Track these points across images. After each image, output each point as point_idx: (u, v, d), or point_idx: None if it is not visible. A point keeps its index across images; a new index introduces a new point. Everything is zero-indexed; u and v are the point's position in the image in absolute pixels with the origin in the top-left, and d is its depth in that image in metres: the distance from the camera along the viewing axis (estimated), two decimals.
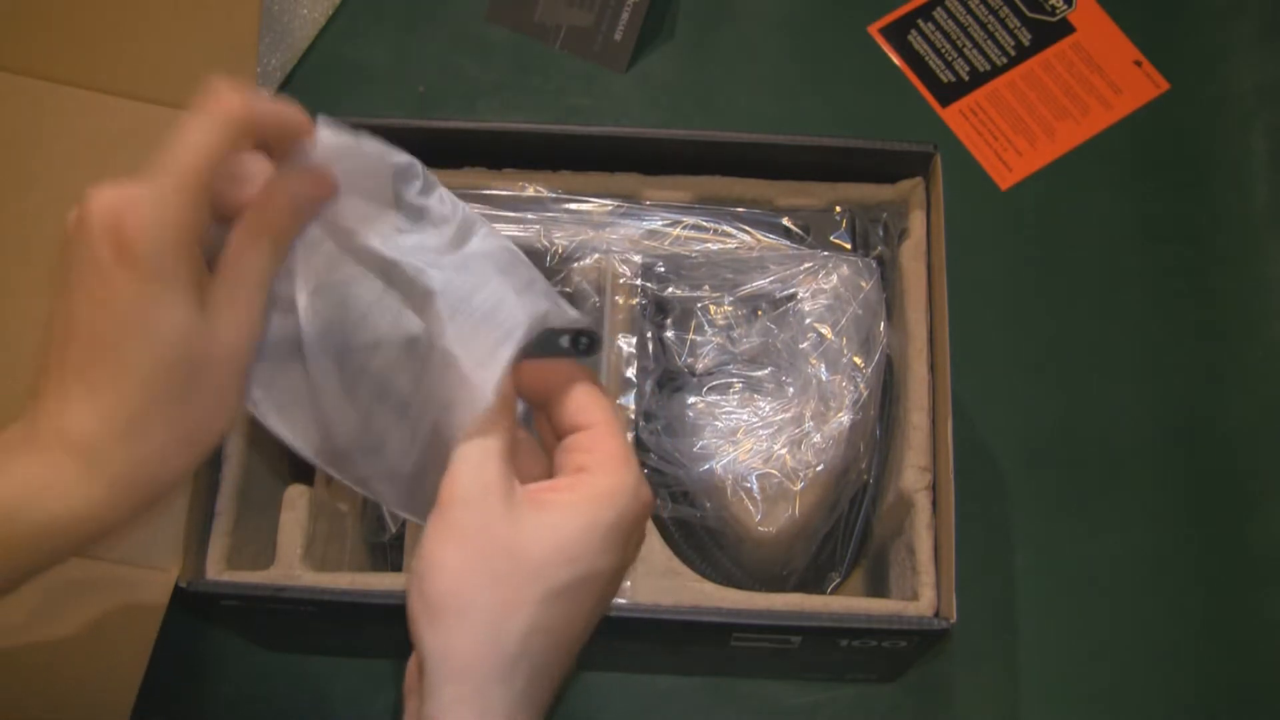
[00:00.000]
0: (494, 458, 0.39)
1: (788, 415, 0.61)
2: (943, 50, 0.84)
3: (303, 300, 0.41)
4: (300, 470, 0.67)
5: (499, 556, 0.38)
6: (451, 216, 0.43)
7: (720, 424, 0.62)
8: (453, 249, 0.42)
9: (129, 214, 0.37)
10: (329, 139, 0.40)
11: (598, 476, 0.40)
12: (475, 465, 0.39)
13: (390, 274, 0.41)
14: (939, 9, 0.85)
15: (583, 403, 0.42)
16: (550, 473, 0.42)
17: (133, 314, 0.37)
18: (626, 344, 0.62)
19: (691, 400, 0.63)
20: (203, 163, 0.37)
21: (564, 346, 0.42)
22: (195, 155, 0.38)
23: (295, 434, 0.43)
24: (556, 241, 0.64)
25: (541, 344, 0.42)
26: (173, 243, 0.37)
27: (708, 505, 0.61)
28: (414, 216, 0.42)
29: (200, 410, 0.39)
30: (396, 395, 0.43)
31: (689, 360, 0.64)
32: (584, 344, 0.43)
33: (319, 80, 0.81)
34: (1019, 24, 0.84)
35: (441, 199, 0.43)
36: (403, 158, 0.42)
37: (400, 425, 0.43)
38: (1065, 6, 0.84)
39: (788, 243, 0.65)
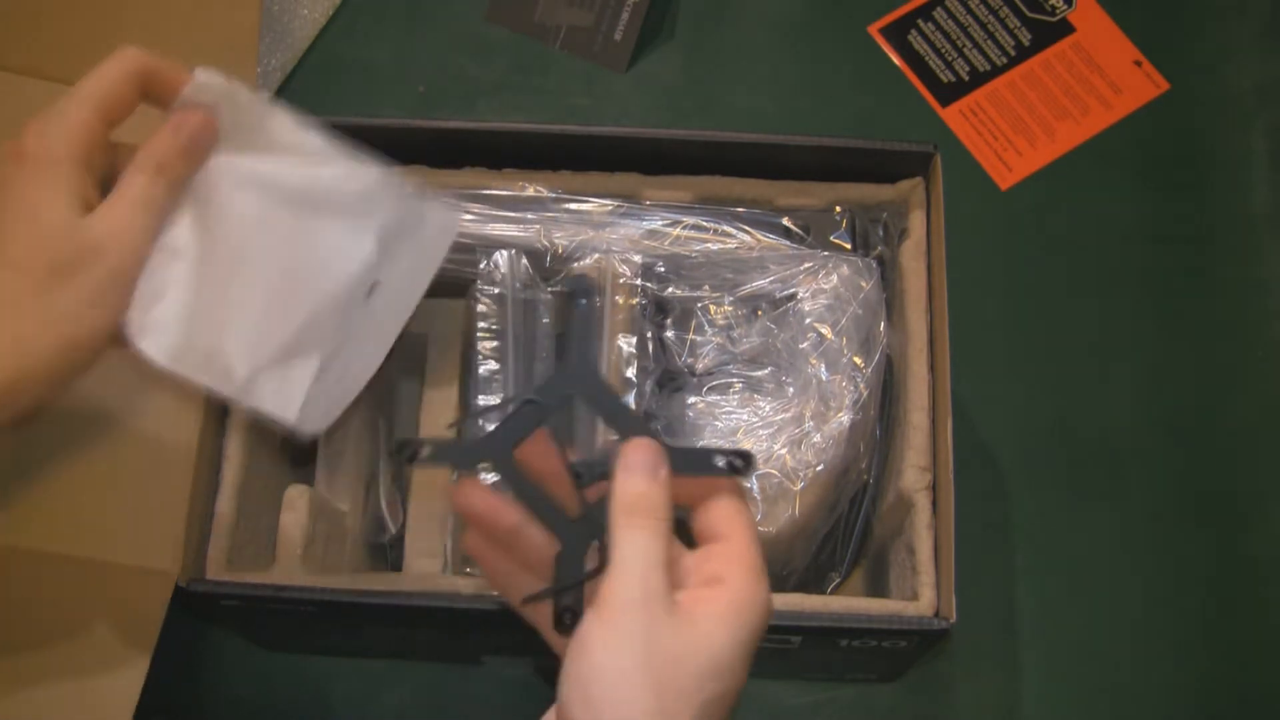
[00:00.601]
0: (658, 564, 0.40)
1: (788, 415, 0.61)
2: (943, 50, 0.84)
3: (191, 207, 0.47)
4: (300, 470, 0.67)
5: (664, 666, 0.38)
6: (313, 148, 0.50)
7: (720, 424, 0.62)
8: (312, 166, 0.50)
9: (32, 125, 0.44)
10: (203, 78, 0.46)
11: (737, 590, 0.41)
12: (641, 571, 0.40)
13: (264, 185, 0.48)
14: (939, 9, 0.85)
15: (725, 513, 0.43)
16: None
17: (19, 202, 0.43)
18: (626, 344, 0.62)
19: (691, 400, 0.63)
20: (98, 89, 0.44)
21: (719, 466, 0.43)
22: (93, 83, 0.44)
23: (163, 349, 0.46)
24: (556, 241, 0.64)
25: (696, 463, 0.43)
26: (62, 148, 0.43)
27: None
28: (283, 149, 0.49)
29: (73, 302, 0.43)
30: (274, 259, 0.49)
31: (689, 360, 0.64)
32: (739, 464, 0.43)
33: (319, 80, 0.81)
34: (1019, 24, 0.84)
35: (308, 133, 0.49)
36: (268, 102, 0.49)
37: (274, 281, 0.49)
38: (1065, 6, 0.84)
39: (788, 243, 0.65)
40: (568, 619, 0.42)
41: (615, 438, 0.44)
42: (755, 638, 0.40)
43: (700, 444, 0.62)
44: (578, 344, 0.45)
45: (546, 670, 0.65)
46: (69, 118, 0.43)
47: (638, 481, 0.42)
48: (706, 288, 0.64)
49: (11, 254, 0.42)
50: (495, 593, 0.55)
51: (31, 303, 0.42)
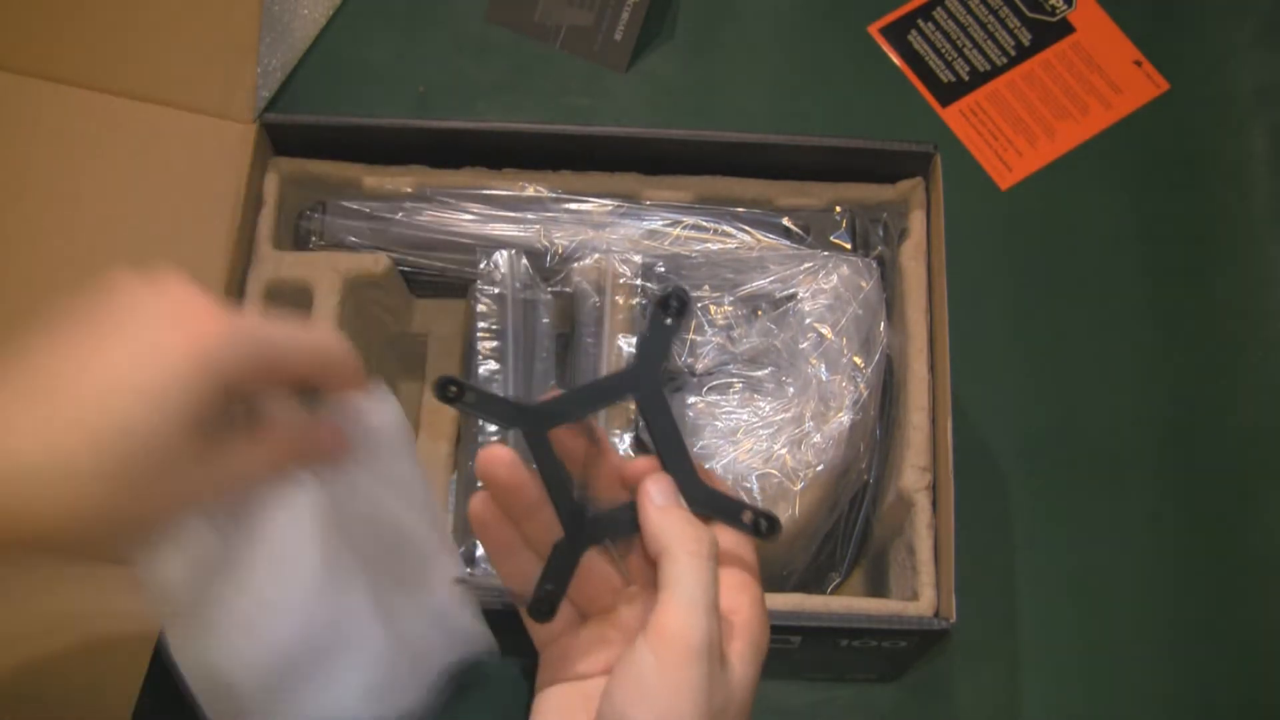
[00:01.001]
0: (714, 606, 0.40)
1: (788, 415, 0.61)
2: (943, 50, 0.84)
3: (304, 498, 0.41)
4: None
5: (718, 714, 0.40)
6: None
7: (720, 424, 0.62)
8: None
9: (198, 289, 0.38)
10: (382, 405, 0.43)
11: (754, 627, 0.42)
12: (706, 612, 0.39)
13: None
14: (939, 9, 0.85)
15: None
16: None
17: (138, 339, 0.36)
18: (626, 344, 0.62)
19: (691, 400, 0.63)
20: (271, 343, 0.38)
21: (744, 523, 0.43)
22: (271, 331, 0.38)
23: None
24: (556, 241, 0.64)
25: (721, 509, 0.43)
26: (223, 328, 0.37)
27: None
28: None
29: (112, 467, 0.35)
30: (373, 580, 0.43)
31: (689, 360, 0.64)
32: (763, 527, 0.43)
33: (319, 80, 0.81)
34: (1019, 24, 0.84)
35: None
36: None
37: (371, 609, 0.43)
38: (1065, 6, 0.84)
39: (788, 243, 0.65)
40: (544, 606, 0.42)
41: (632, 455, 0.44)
42: (711, 661, 0.40)
43: (690, 438, 0.61)
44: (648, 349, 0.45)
45: None
46: (249, 321, 0.37)
47: (679, 513, 0.41)
48: (706, 288, 0.64)
49: (93, 378, 0.36)
50: (496, 582, 0.55)
51: (107, 473, 0.34)
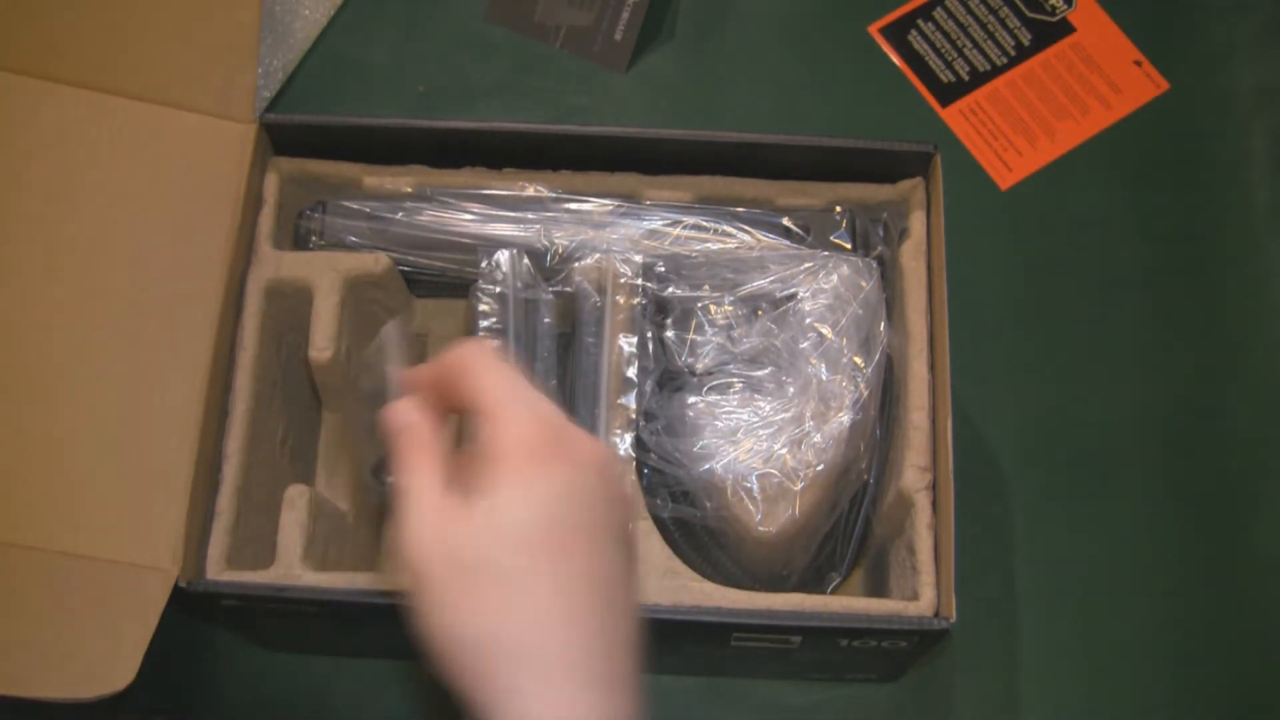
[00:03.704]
0: (421, 489, 0.41)
1: (788, 415, 0.61)
2: (943, 50, 0.84)
3: None
4: (300, 470, 0.67)
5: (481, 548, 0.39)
6: None
7: (720, 424, 0.62)
8: None
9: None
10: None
11: (517, 461, 0.40)
12: (415, 501, 0.41)
13: None
14: (939, 9, 0.85)
15: (471, 395, 0.42)
16: None
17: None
18: (627, 344, 0.62)
19: (691, 400, 0.63)
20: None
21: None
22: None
23: None
24: (556, 241, 0.64)
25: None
26: None
27: (708, 505, 0.61)
28: None
29: None
30: None
31: (689, 360, 0.64)
32: None
33: (320, 80, 0.81)
34: (1019, 24, 0.84)
35: None
36: None
37: None
38: (1065, 6, 0.84)
39: (788, 243, 0.65)
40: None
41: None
42: (571, 493, 0.40)
43: (690, 438, 0.61)
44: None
45: None
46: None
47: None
48: (706, 288, 0.64)
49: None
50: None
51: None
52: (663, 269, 0.64)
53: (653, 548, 0.58)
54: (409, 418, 0.44)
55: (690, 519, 0.62)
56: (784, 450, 0.60)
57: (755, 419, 0.61)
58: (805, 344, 0.62)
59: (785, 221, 0.65)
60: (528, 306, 0.64)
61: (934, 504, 0.59)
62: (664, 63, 0.83)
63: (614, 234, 0.65)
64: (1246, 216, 0.79)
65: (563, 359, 0.65)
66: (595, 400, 0.62)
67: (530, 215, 0.65)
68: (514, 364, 0.43)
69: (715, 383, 0.63)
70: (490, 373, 0.42)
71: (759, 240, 0.64)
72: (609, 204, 0.65)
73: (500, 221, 0.65)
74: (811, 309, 0.62)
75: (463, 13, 0.84)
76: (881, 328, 0.62)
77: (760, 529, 0.60)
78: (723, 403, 0.62)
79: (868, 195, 0.66)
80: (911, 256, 0.63)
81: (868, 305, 0.62)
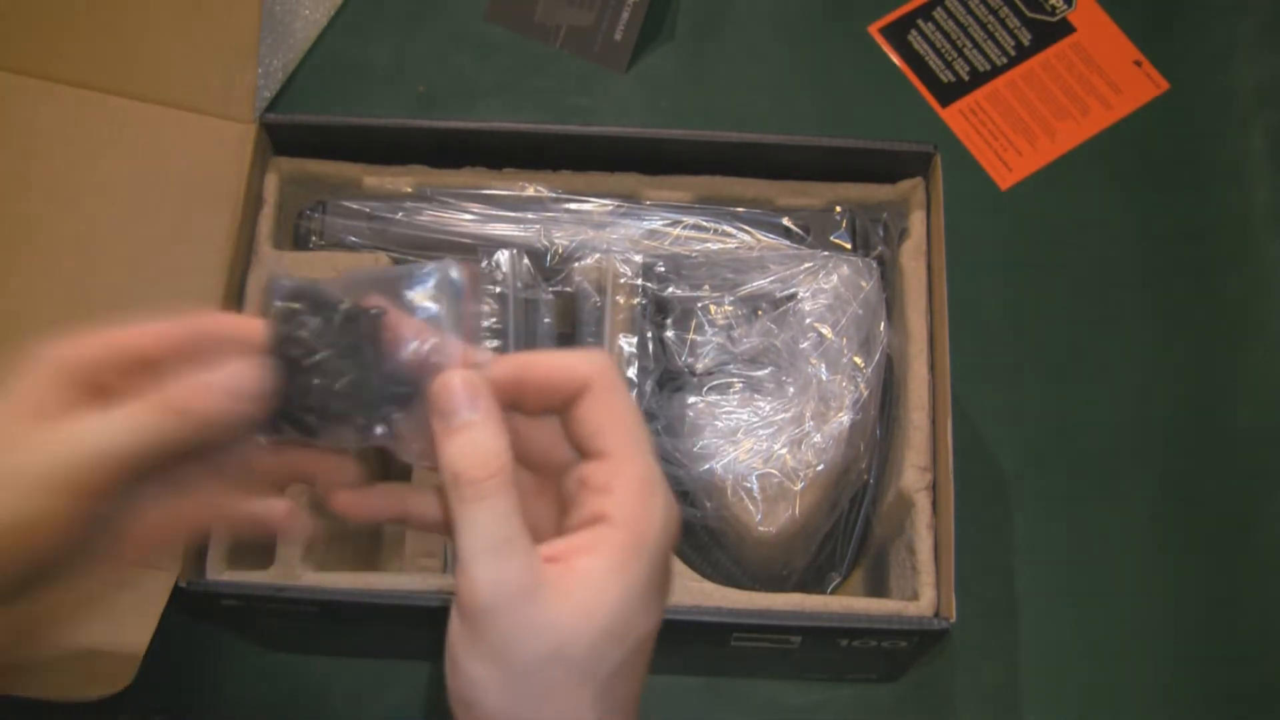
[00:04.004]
0: (504, 541, 0.34)
1: (788, 415, 0.61)
2: (943, 50, 0.84)
3: None
4: None
5: (546, 665, 0.34)
6: None
7: (720, 424, 0.62)
8: None
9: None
10: None
11: (620, 528, 0.35)
12: (492, 561, 0.34)
13: None
14: (939, 9, 0.85)
15: (595, 421, 0.37)
16: (558, 499, 0.39)
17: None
18: (627, 344, 0.62)
19: (691, 400, 0.63)
20: None
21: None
22: None
23: None
24: (556, 241, 0.64)
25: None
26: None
27: (708, 505, 0.61)
28: None
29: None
30: None
31: (689, 360, 0.64)
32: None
33: (320, 80, 0.81)
34: (1019, 24, 0.84)
35: None
36: None
37: None
38: (1065, 6, 0.84)
39: (788, 243, 0.65)
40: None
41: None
42: (657, 569, 0.36)
43: (691, 438, 0.61)
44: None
45: None
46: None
47: (459, 440, 0.35)
48: (706, 288, 0.64)
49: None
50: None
51: None
52: (663, 269, 0.64)
53: None
54: (494, 445, 0.35)
55: (690, 519, 0.62)
56: (784, 450, 0.60)
57: (755, 419, 0.61)
58: (805, 344, 0.62)
59: (785, 221, 0.65)
60: (528, 306, 0.64)
61: (934, 504, 0.59)
62: (664, 63, 0.83)
63: (614, 234, 0.65)
64: (1246, 216, 0.79)
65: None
66: None
67: (530, 215, 0.65)
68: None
69: (715, 383, 0.63)
70: (624, 404, 0.37)
71: (759, 240, 0.64)
72: (609, 204, 0.65)
73: (500, 221, 0.65)
74: (811, 309, 0.62)
75: (463, 13, 0.84)
76: (881, 328, 0.62)
77: (760, 529, 0.60)
78: (723, 403, 0.62)
79: (868, 195, 0.66)
80: (911, 256, 0.63)
81: (868, 305, 0.62)
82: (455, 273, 0.38)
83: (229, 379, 0.36)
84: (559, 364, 0.37)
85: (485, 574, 0.34)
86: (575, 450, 0.38)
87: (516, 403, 0.38)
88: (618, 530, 0.35)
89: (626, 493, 0.36)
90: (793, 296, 0.63)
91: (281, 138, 0.66)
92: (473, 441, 0.35)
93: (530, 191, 0.66)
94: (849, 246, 0.65)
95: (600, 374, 0.37)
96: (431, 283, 0.38)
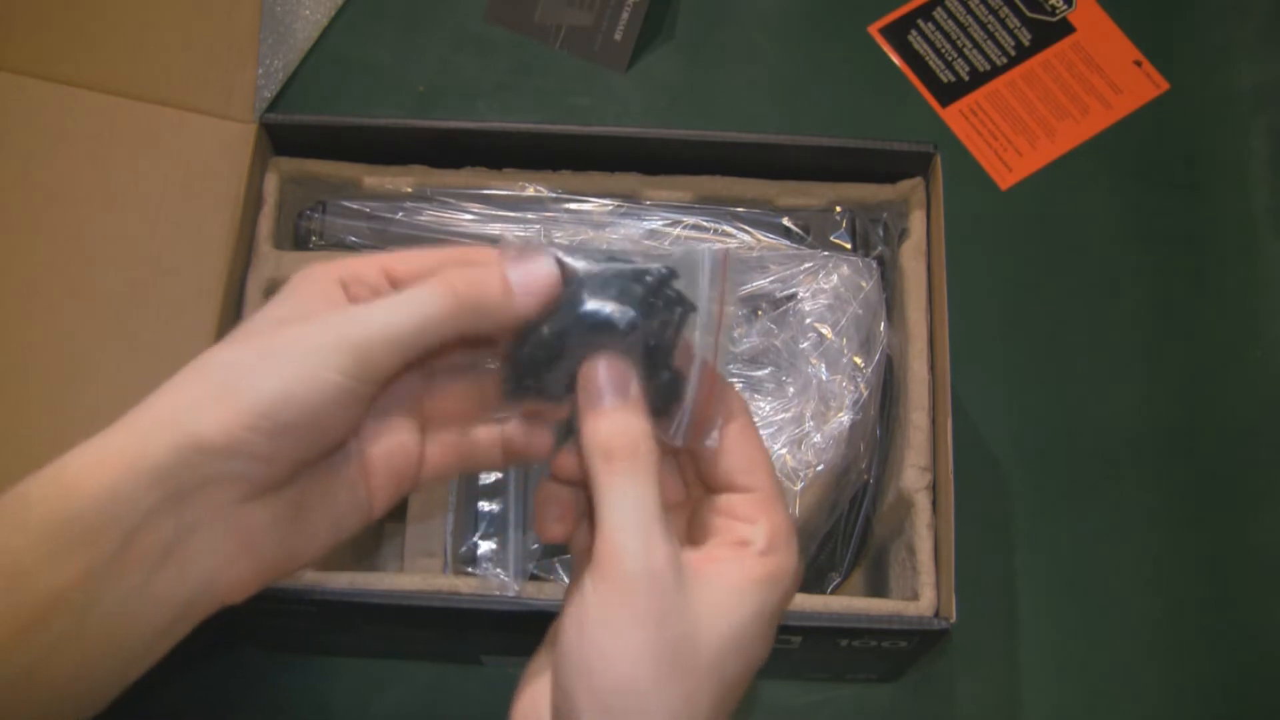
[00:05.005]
0: (655, 518, 0.35)
1: (788, 415, 0.61)
2: (943, 50, 0.84)
3: None
4: None
5: (679, 646, 0.34)
6: None
7: None
8: None
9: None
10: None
11: (765, 556, 0.37)
12: (640, 532, 0.35)
13: None
14: (939, 9, 0.85)
15: (746, 459, 0.38)
16: (686, 505, 0.40)
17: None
18: None
19: None
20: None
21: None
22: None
23: None
24: (556, 241, 0.64)
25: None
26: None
27: None
28: None
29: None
30: None
31: None
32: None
33: (320, 80, 0.81)
34: (1019, 24, 0.84)
35: None
36: None
37: None
38: (1065, 6, 0.84)
39: (788, 243, 0.65)
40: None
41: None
42: (783, 607, 0.37)
43: None
44: None
45: None
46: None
47: (610, 416, 0.37)
48: None
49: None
50: (500, 591, 0.55)
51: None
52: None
53: None
54: (645, 428, 0.37)
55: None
56: (784, 450, 0.60)
57: (755, 419, 0.61)
58: (805, 344, 0.62)
59: (785, 221, 0.65)
60: None
61: (934, 504, 0.59)
62: (664, 63, 0.83)
63: (614, 234, 0.65)
64: (1246, 217, 0.79)
65: None
66: None
67: (530, 215, 0.65)
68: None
69: None
70: (762, 443, 0.39)
71: (759, 240, 0.64)
72: (609, 204, 0.65)
73: (500, 221, 0.65)
74: (811, 309, 0.62)
75: (463, 13, 0.84)
76: (881, 328, 0.62)
77: None
78: None
79: (868, 195, 0.66)
80: (911, 256, 0.63)
81: (868, 305, 0.62)
82: (709, 262, 0.39)
83: (511, 273, 0.37)
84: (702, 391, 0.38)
85: (635, 544, 0.35)
86: (710, 479, 0.39)
87: None
88: (762, 560, 0.37)
89: (778, 535, 0.37)
90: (793, 296, 0.63)
91: (281, 138, 0.66)
92: (627, 422, 0.37)
93: (530, 191, 0.66)
94: (849, 246, 0.65)
95: (743, 409, 0.39)
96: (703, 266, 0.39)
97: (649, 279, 0.38)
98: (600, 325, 0.37)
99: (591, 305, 0.38)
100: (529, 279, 0.38)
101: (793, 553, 0.38)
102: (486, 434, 0.41)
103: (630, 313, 0.37)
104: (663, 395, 0.38)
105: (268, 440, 0.34)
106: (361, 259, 0.39)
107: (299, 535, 0.38)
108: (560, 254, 0.38)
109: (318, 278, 0.38)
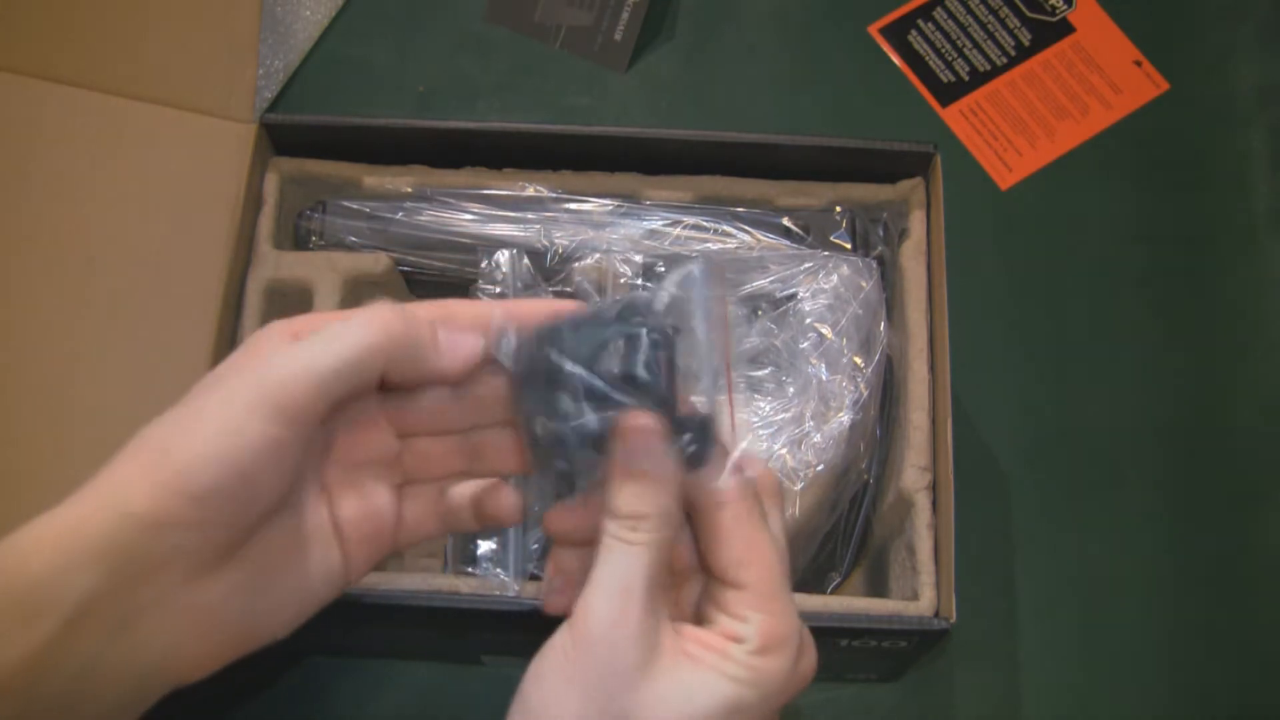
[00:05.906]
0: (640, 590, 0.35)
1: (788, 415, 0.61)
2: (943, 50, 0.84)
3: None
4: None
5: (610, 716, 0.34)
6: None
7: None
8: None
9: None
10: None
11: (754, 657, 0.35)
12: (616, 599, 0.35)
13: None
14: (939, 9, 0.85)
15: (740, 550, 0.37)
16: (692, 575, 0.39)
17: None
18: None
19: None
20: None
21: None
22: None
23: None
24: (556, 241, 0.64)
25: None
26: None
27: None
28: None
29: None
30: None
31: None
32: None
33: (320, 80, 0.81)
34: (1019, 24, 0.84)
35: None
36: None
37: None
38: (1065, 6, 0.84)
39: (788, 243, 0.65)
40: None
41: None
42: (766, 710, 0.35)
43: None
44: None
45: None
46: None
47: (644, 483, 0.36)
48: None
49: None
50: (500, 590, 0.55)
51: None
52: (663, 269, 0.64)
53: None
54: (672, 505, 0.36)
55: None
56: (784, 450, 0.60)
57: (755, 419, 0.61)
58: (805, 344, 0.62)
59: (785, 221, 0.65)
60: None
61: (934, 504, 0.59)
62: (664, 63, 0.83)
63: (614, 234, 0.65)
64: (1246, 217, 0.79)
65: None
66: None
67: (530, 215, 0.65)
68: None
69: None
70: (766, 535, 0.37)
71: (759, 240, 0.64)
72: (609, 204, 0.65)
73: (500, 221, 0.65)
74: (811, 309, 0.62)
75: (463, 13, 0.84)
76: (881, 328, 0.62)
77: None
78: None
79: (868, 195, 0.66)
80: (911, 256, 0.63)
81: (868, 305, 0.62)
82: (698, 271, 0.38)
83: (442, 334, 0.37)
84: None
85: (605, 608, 0.34)
86: (709, 567, 0.38)
87: None
88: (749, 660, 0.35)
89: (772, 638, 0.36)
90: (793, 296, 0.63)
91: (281, 138, 0.66)
92: (657, 494, 0.36)
93: (530, 191, 0.66)
94: (849, 246, 0.65)
95: (742, 495, 0.37)
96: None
97: (652, 337, 0.37)
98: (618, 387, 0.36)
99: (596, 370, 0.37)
100: (454, 344, 0.37)
101: (788, 657, 0.36)
102: (459, 496, 0.40)
103: (645, 375, 0.36)
104: (692, 457, 0.37)
105: (195, 507, 0.33)
106: (321, 314, 0.38)
107: (262, 607, 0.37)
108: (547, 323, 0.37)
109: (270, 333, 0.37)
